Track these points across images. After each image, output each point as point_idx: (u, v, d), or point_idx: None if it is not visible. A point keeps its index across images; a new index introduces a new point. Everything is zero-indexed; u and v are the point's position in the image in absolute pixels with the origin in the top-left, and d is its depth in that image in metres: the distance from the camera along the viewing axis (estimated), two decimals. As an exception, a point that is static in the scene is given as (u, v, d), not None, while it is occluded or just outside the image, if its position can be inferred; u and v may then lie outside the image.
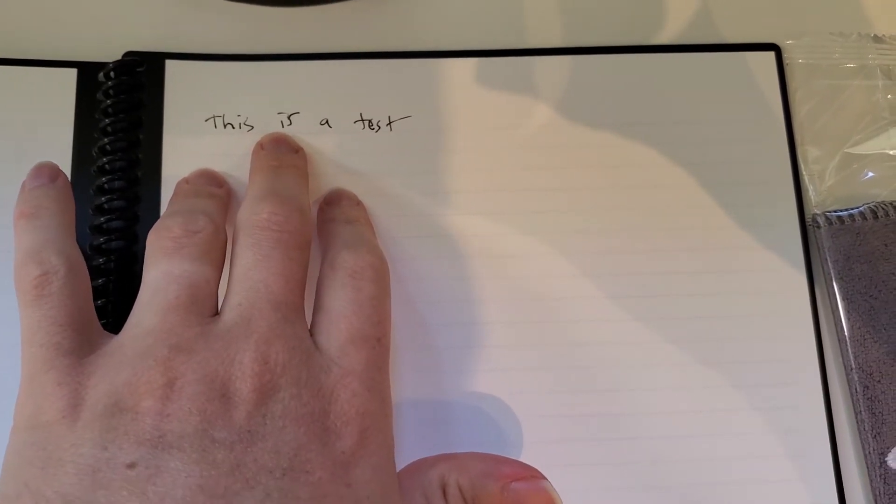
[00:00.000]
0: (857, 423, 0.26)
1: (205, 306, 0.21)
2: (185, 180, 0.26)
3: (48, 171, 0.24)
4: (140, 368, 0.19)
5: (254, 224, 0.22)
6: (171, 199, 0.25)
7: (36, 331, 0.20)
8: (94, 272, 0.25)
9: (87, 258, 0.25)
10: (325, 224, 0.25)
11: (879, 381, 0.26)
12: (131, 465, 0.18)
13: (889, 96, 0.28)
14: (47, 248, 0.21)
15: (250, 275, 0.21)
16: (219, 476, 0.18)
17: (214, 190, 0.25)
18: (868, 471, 0.25)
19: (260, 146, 0.26)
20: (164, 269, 0.21)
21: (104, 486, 0.17)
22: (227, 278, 0.22)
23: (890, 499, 0.25)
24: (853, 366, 0.26)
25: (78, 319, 0.21)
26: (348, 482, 0.19)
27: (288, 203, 0.22)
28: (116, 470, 0.18)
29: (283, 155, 0.26)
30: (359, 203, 0.26)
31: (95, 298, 0.24)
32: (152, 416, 0.18)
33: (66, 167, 0.26)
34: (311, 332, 0.22)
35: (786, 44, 0.29)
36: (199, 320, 0.20)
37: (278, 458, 0.19)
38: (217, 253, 0.23)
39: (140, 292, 0.22)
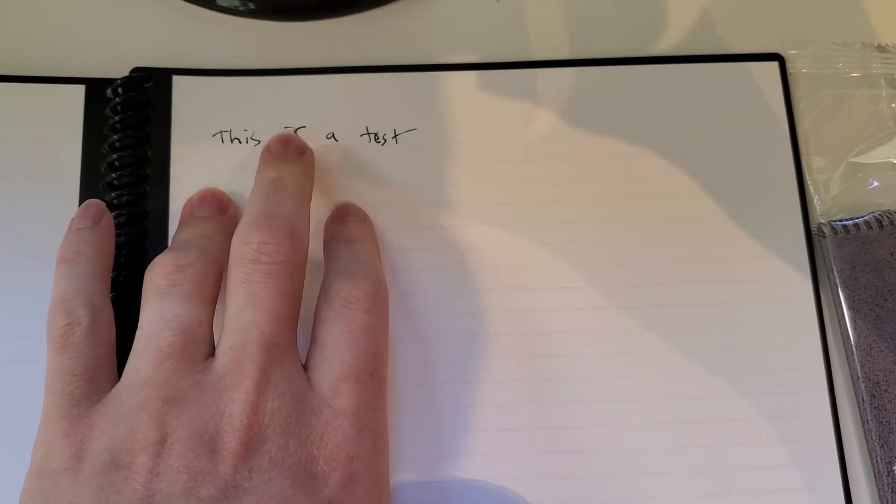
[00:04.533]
0: (865, 431, 0.26)
1: (198, 351, 0.21)
2: (191, 204, 0.26)
3: (93, 213, 0.25)
4: (136, 424, 0.20)
5: (244, 255, 0.22)
6: (176, 231, 0.26)
7: (55, 378, 0.21)
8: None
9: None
10: (327, 244, 0.25)
11: (886, 390, 0.26)
12: None
13: (893, 105, 0.28)
14: (77, 298, 0.22)
15: (241, 315, 0.21)
16: None
17: (218, 217, 0.26)
18: (876, 480, 0.25)
19: (267, 149, 0.26)
20: (156, 311, 0.22)
21: None
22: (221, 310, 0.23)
23: (898, 508, 0.25)
24: (860, 374, 0.26)
25: (93, 368, 0.21)
26: None
27: (279, 228, 0.22)
28: None
29: (284, 163, 0.25)
30: (365, 219, 0.26)
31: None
32: (143, 475, 0.19)
33: (75, 183, 0.27)
34: (306, 367, 0.22)
35: (789, 53, 0.29)
36: (191, 369, 0.21)
37: None
38: (210, 287, 0.23)
39: (136, 336, 0.22)
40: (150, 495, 0.19)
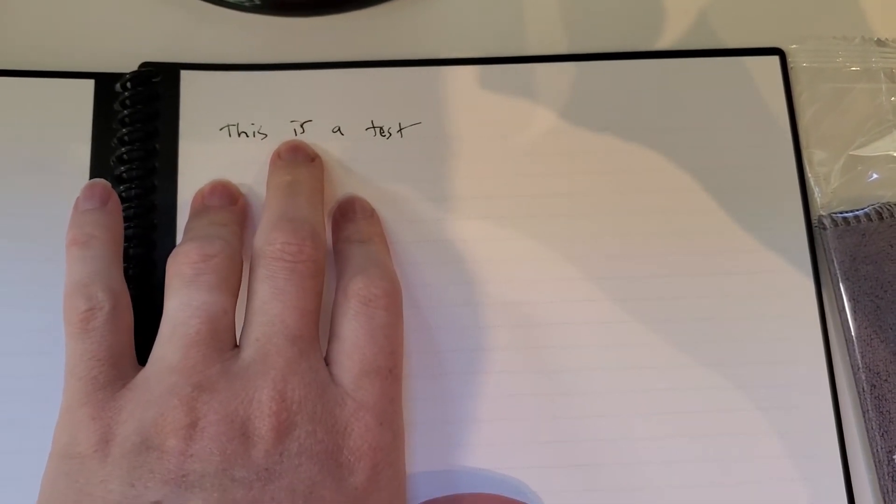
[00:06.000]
0: (865, 421, 0.26)
1: (223, 339, 0.22)
2: (202, 195, 0.26)
3: (100, 194, 0.25)
4: (166, 408, 0.20)
5: (268, 254, 0.23)
6: (188, 221, 0.26)
7: (77, 363, 0.21)
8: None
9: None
10: (338, 244, 0.26)
11: (886, 380, 0.26)
12: (156, 503, 0.19)
13: (893, 99, 0.29)
14: (96, 283, 0.22)
15: (266, 308, 0.22)
16: None
17: (230, 207, 0.26)
18: (876, 469, 0.25)
19: (277, 155, 0.26)
20: (183, 299, 0.22)
21: None
22: (243, 302, 0.23)
23: (898, 496, 0.25)
24: (860, 365, 0.26)
25: (116, 353, 0.22)
26: None
27: (301, 230, 0.23)
28: None
29: (297, 167, 0.26)
30: (372, 214, 0.27)
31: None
32: (176, 456, 0.19)
33: (84, 177, 0.27)
34: (327, 362, 0.22)
35: (790, 48, 0.29)
36: (219, 356, 0.21)
37: (294, 496, 0.19)
38: (234, 278, 0.23)
39: (162, 323, 0.22)
40: (184, 475, 0.19)
